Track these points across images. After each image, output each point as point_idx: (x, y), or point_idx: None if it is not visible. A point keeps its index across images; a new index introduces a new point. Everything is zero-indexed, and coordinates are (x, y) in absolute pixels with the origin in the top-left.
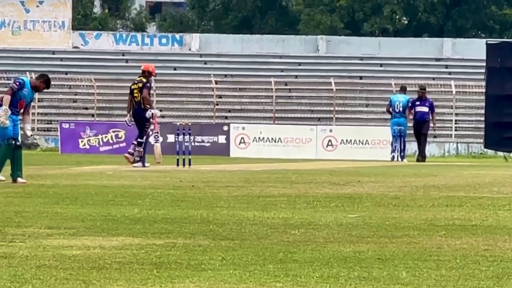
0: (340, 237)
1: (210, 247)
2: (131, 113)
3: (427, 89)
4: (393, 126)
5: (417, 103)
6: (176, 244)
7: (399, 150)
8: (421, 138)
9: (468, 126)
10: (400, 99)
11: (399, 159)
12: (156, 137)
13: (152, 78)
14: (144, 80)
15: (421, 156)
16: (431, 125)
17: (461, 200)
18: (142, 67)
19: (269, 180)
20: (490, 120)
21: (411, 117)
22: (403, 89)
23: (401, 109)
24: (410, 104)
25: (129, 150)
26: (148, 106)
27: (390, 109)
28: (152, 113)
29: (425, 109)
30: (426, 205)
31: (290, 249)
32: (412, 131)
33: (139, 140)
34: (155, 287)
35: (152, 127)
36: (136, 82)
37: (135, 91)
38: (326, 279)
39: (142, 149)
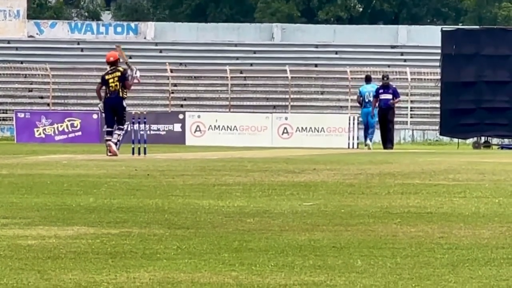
0: (295, 225)
1: (165, 236)
2: (102, 101)
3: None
4: (364, 116)
5: (381, 91)
6: (131, 233)
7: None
8: (388, 125)
9: (423, 113)
10: (369, 89)
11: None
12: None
13: (136, 70)
14: (121, 69)
15: (390, 143)
16: (390, 103)
17: (416, 187)
18: (110, 58)
19: (225, 168)
20: (446, 107)
21: (377, 105)
22: (368, 79)
23: (371, 98)
24: (374, 93)
25: (113, 140)
26: (125, 96)
27: (361, 100)
28: (137, 74)
29: (389, 96)
30: (381, 193)
31: (245, 238)
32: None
33: (120, 126)
34: (110, 276)
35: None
36: (110, 72)
37: (111, 80)
38: (281, 267)
39: (121, 134)
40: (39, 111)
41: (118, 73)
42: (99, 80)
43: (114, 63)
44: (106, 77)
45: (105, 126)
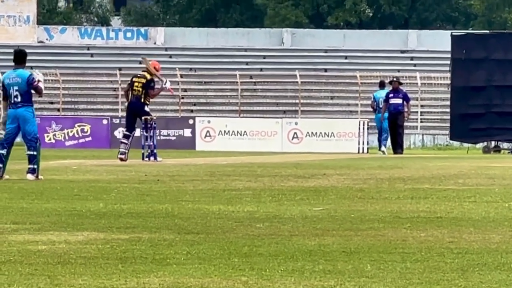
0: (305, 230)
1: (175, 241)
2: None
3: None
4: (378, 121)
5: (391, 95)
6: (141, 238)
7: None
8: (397, 130)
9: (433, 118)
10: (382, 95)
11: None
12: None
13: (166, 80)
14: (148, 76)
15: (400, 148)
16: (405, 115)
17: (426, 192)
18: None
19: (235, 173)
20: (456, 112)
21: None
22: (382, 84)
23: None
24: (384, 98)
25: (121, 150)
26: (147, 101)
27: (374, 105)
28: (167, 84)
29: (399, 100)
30: (391, 198)
31: (255, 243)
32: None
33: (126, 133)
34: (120, 281)
35: (154, 118)
36: (139, 75)
37: (136, 83)
38: (291, 272)
39: (128, 143)
40: (49, 117)
41: (143, 80)
42: (109, 86)
43: (147, 69)
44: (134, 79)
45: (125, 129)
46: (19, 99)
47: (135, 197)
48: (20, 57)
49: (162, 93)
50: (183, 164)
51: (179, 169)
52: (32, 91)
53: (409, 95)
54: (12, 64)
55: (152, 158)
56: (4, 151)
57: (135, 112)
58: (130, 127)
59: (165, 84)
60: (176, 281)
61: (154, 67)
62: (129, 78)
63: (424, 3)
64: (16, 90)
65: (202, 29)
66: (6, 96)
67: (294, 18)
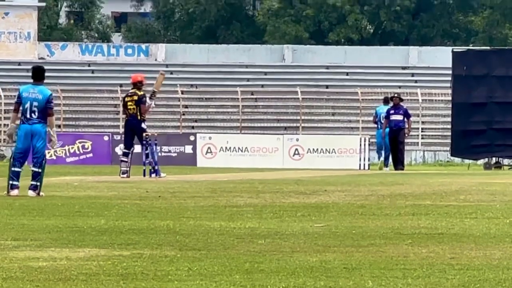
0: (306, 246)
1: (176, 257)
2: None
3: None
4: (380, 137)
5: (392, 111)
6: (143, 255)
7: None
8: (398, 146)
9: (434, 134)
10: (384, 110)
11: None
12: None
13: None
14: (140, 93)
15: (401, 164)
16: (406, 131)
17: (427, 208)
18: (131, 80)
19: (236, 190)
20: (457, 128)
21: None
22: (386, 101)
23: None
24: (385, 114)
25: (122, 169)
26: (144, 118)
27: (376, 120)
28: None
29: (400, 117)
30: (392, 214)
31: (256, 259)
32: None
33: (125, 150)
34: None
35: (149, 134)
36: (129, 94)
37: (129, 103)
38: None
39: (129, 160)
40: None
41: (135, 97)
42: (110, 102)
43: (135, 85)
44: (126, 99)
45: (123, 147)
46: (36, 115)
47: (136, 213)
48: (39, 73)
49: (163, 109)
50: (184, 181)
51: (180, 186)
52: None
53: (410, 112)
54: (15, 80)
55: (153, 175)
56: (21, 169)
57: (133, 129)
58: (129, 145)
59: (152, 103)
60: None
61: (140, 81)
62: None
63: (424, 19)
64: (35, 106)
65: (203, 45)
66: (18, 108)
67: (294, 33)
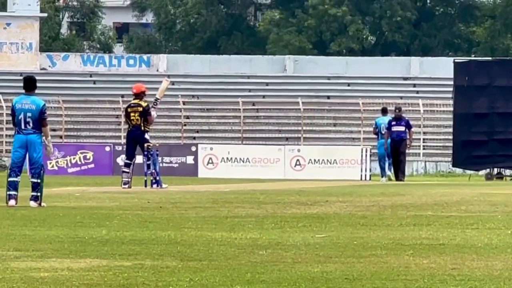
0: (307, 257)
1: (178, 268)
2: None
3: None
4: (381, 147)
5: (393, 123)
6: (144, 265)
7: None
8: (399, 157)
9: (436, 144)
10: (385, 121)
11: (385, 177)
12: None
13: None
14: (144, 103)
15: (402, 175)
16: (408, 142)
17: (429, 219)
18: (133, 90)
19: (237, 200)
20: (458, 139)
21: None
22: (385, 111)
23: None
24: (387, 125)
25: (124, 180)
26: (147, 129)
27: (377, 131)
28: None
29: (402, 128)
30: (393, 225)
31: (257, 270)
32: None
33: (126, 161)
34: None
35: (151, 145)
36: (132, 105)
37: (132, 114)
38: None
39: (130, 171)
40: (52, 143)
41: (140, 109)
42: (111, 113)
43: (137, 96)
44: (128, 110)
45: (125, 157)
46: (30, 125)
47: (137, 224)
48: (30, 83)
49: (164, 120)
50: (186, 191)
51: (182, 196)
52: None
53: (412, 122)
54: (17, 90)
55: (155, 186)
56: (18, 179)
57: (136, 140)
58: (130, 155)
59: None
60: None
61: (144, 91)
62: None
63: (425, 29)
64: (29, 117)
65: (204, 56)
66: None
67: (298, 44)
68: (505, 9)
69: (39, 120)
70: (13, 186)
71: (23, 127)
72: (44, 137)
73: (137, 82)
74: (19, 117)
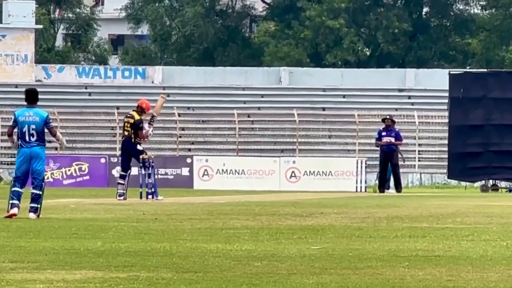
0: (303, 268)
1: (173, 280)
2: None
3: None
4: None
5: (383, 133)
6: (139, 277)
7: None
8: (394, 169)
9: (431, 156)
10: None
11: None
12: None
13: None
14: (137, 116)
15: (399, 186)
16: (399, 155)
17: (424, 230)
18: (143, 104)
19: (232, 212)
20: (454, 151)
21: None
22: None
23: None
24: (377, 136)
25: (119, 191)
26: (138, 141)
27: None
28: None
29: (392, 139)
30: (389, 236)
31: (253, 281)
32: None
33: (122, 173)
34: None
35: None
36: (128, 115)
37: (126, 123)
38: None
39: (125, 183)
40: (47, 155)
41: (132, 120)
42: (107, 124)
43: (138, 108)
44: (124, 119)
45: (120, 169)
46: (34, 137)
47: (133, 235)
48: (33, 95)
49: (160, 131)
50: (181, 203)
51: (177, 208)
52: (46, 131)
53: (407, 134)
54: (12, 102)
55: (150, 196)
56: (22, 190)
57: (128, 152)
58: (126, 167)
59: (149, 130)
60: None
61: (144, 108)
62: None
63: (421, 41)
64: (33, 129)
65: (199, 68)
66: (12, 132)
67: (297, 56)
68: (503, 22)
69: (43, 132)
70: (16, 195)
71: (27, 139)
72: (56, 139)
73: (132, 94)
74: (23, 130)
